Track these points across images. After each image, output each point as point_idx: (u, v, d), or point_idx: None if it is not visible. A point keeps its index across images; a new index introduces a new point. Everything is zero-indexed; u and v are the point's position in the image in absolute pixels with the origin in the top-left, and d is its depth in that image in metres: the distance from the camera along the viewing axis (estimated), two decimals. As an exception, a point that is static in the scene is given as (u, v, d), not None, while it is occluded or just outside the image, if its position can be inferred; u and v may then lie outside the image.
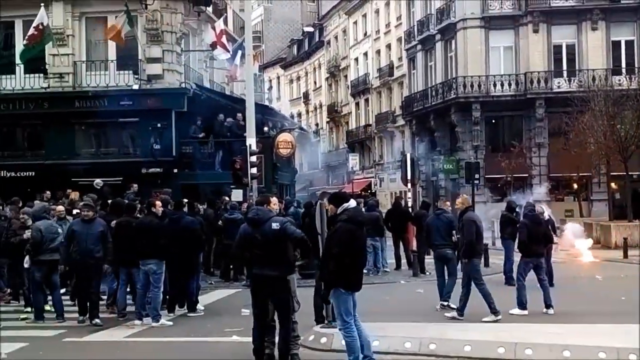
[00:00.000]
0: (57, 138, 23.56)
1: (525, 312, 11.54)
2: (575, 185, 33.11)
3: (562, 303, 12.52)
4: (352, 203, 7.77)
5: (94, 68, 23.57)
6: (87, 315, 11.23)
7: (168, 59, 23.34)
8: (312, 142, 58.79)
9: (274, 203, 8.58)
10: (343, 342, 8.01)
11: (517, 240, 13.05)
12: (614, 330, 9.31)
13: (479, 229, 11.41)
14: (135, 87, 23.04)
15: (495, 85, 34.84)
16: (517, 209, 15.78)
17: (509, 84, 34.80)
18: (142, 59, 23.08)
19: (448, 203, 13.66)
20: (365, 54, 52.09)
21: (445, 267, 12.38)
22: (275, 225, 7.92)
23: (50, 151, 23.54)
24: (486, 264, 19.06)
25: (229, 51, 24.14)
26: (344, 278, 7.40)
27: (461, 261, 11.67)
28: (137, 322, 11.13)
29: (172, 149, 23.31)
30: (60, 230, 11.95)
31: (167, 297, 12.26)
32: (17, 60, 23.25)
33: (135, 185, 18.40)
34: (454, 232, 12.09)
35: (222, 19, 25.88)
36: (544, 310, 11.75)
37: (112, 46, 23.13)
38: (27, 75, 23.56)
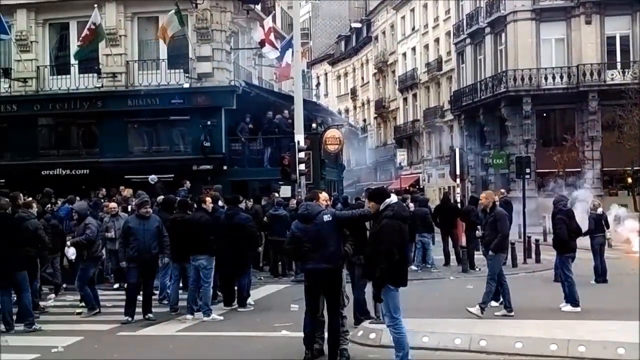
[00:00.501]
0: (111, 136, 24.10)
1: (578, 309, 11.35)
2: (630, 180, 32.30)
3: (617, 300, 12.30)
4: (394, 198, 7.74)
5: (146, 67, 24.01)
6: (138, 314, 11.27)
7: (218, 57, 23.63)
8: (359, 138, 58.74)
9: (323, 199, 8.60)
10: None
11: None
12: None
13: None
14: (186, 85, 23.40)
15: (546, 78, 34.23)
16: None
17: (561, 77, 34.14)
18: (192, 57, 23.41)
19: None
20: (413, 49, 51.74)
21: None
22: (327, 217, 7.96)
23: (104, 149, 24.11)
24: (537, 260, 18.85)
25: (277, 49, 24.26)
26: (392, 274, 7.40)
27: (487, 255, 11.48)
28: (188, 316, 11.31)
29: (222, 146, 23.62)
30: None
31: (218, 292, 12.45)
32: (72, 60, 23.84)
33: (188, 183, 18.70)
34: (478, 227, 11.85)
35: (270, 16, 26.05)
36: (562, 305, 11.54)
37: (163, 45, 23.49)
38: (81, 75, 24.18)
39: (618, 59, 34.21)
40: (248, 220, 12.40)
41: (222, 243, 11.64)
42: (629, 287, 14.23)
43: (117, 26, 23.88)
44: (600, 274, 14.80)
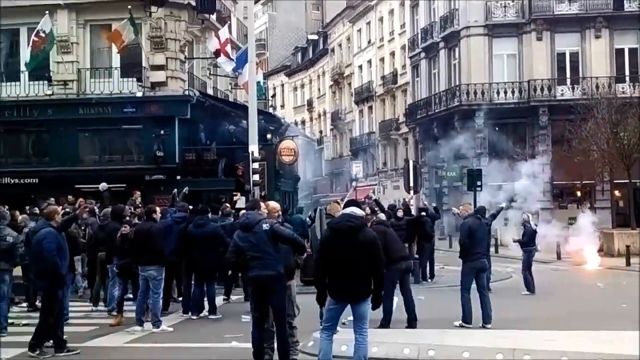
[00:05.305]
0: (61, 145, 23.70)
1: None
2: (579, 193, 33.02)
3: (557, 310, 12.58)
4: (348, 209, 7.74)
5: (98, 75, 23.71)
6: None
7: (172, 66, 23.47)
8: (315, 150, 58.87)
9: (265, 207, 8.69)
10: (342, 348, 8.18)
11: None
12: (612, 338, 9.29)
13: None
14: (139, 94, 23.18)
15: (498, 92, 34.85)
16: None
17: (512, 92, 34.80)
18: (145, 66, 23.20)
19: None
20: (369, 62, 52.19)
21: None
22: (265, 226, 8.06)
23: (54, 158, 23.68)
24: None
25: (232, 59, 24.20)
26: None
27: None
28: (137, 328, 11.14)
29: (175, 155, 23.42)
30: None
31: (170, 302, 12.36)
32: (22, 67, 23.39)
33: (138, 193, 18.42)
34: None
35: (226, 26, 25.96)
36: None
37: (116, 54, 23.26)
38: (31, 82, 23.73)
39: (568, 75, 35.01)
40: (217, 230, 12.73)
41: (194, 253, 12.13)
42: (575, 298, 14.59)
43: (69, 33, 23.54)
44: (532, 285, 15.13)
